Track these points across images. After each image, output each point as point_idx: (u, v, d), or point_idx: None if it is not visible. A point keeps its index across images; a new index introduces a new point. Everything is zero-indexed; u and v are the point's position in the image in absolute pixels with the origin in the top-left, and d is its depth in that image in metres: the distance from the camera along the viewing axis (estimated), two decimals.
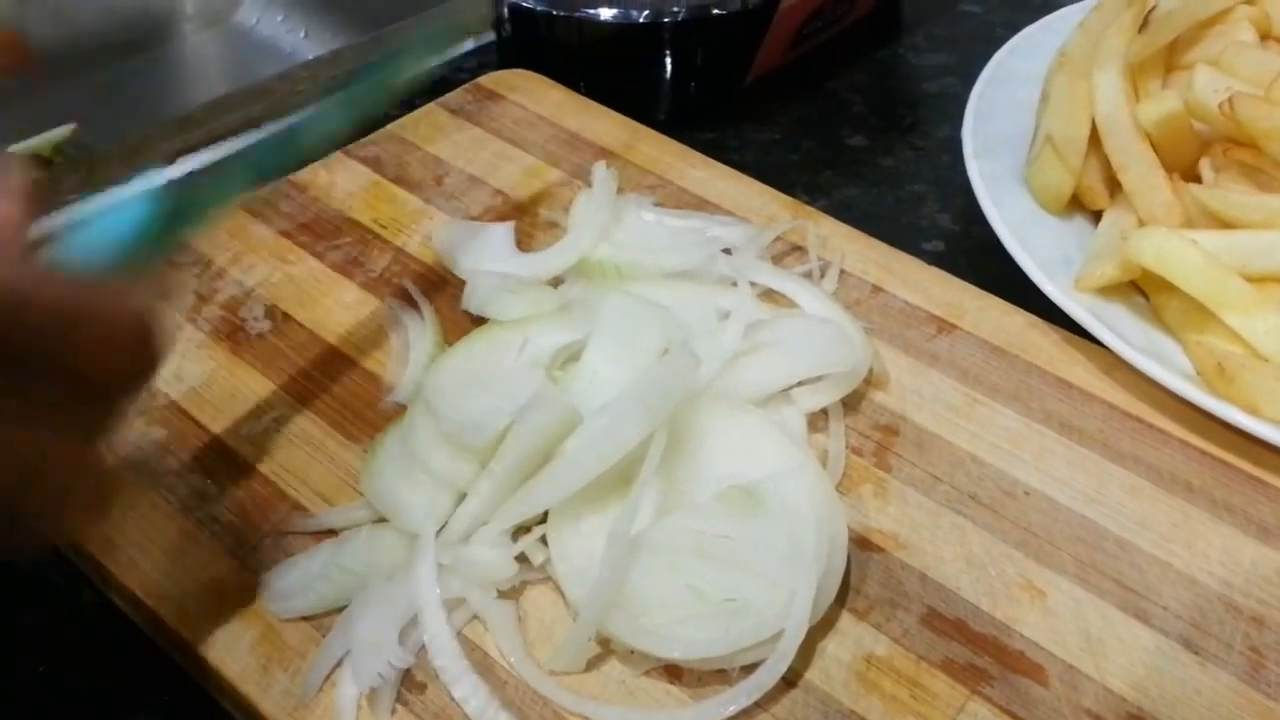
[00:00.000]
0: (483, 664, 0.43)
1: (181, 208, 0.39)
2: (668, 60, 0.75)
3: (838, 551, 0.44)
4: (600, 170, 0.62)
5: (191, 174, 0.42)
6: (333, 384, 0.54)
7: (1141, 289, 0.57)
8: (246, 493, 0.49)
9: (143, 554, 0.47)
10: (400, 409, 0.52)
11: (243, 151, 0.45)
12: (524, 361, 0.50)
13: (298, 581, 0.45)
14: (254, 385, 0.54)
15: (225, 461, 0.50)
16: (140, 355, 0.32)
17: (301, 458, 0.51)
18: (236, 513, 0.48)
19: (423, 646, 0.43)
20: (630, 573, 0.43)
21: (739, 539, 0.44)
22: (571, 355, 0.52)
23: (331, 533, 0.48)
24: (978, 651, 0.44)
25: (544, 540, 0.46)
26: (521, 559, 0.45)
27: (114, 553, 0.47)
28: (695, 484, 0.47)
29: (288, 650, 0.44)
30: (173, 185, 0.40)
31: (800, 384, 0.52)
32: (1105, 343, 0.53)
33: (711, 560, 0.43)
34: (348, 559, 0.45)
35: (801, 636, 0.41)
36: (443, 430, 0.48)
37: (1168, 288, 0.53)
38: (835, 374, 0.52)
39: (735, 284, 0.55)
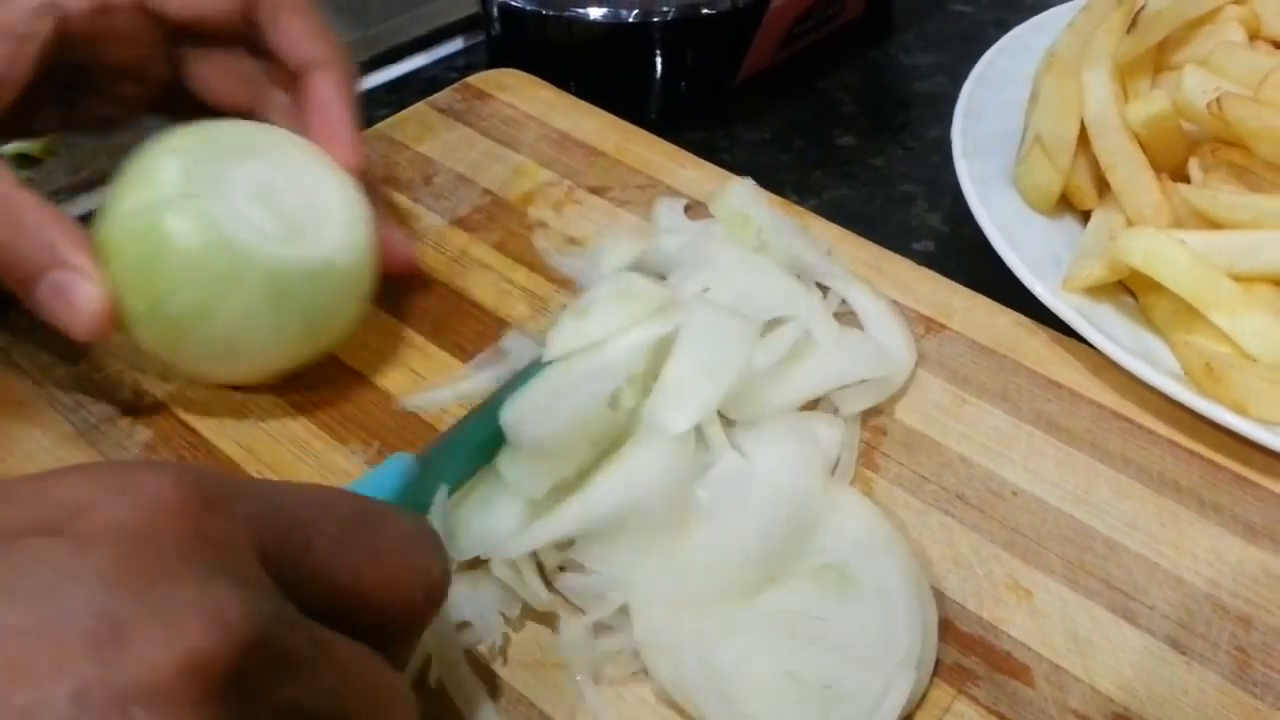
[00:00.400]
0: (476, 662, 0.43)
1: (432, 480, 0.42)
2: (658, 60, 0.75)
3: (930, 639, 0.43)
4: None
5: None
6: (320, 384, 0.54)
7: (1130, 289, 0.57)
8: None
9: None
10: (409, 417, 0.52)
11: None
12: (601, 363, 0.48)
13: None
14: (240, 385, 0.53)
15: (212, 461, 0.50)
16: (421, 573, 0.32)
17: (288, 458, 0.50)
18: None
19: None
20: (726, 656, 0.42)
21: (833, 622, 0.43)
22: (652, 371, 0.49)
23: None
24: (964, 651, 0.44)
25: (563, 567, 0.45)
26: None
27: None
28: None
29: None
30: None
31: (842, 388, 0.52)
32: (1093, 343, 0.53)
33: (808, 644, 0.42)
34: None
35: None
36: (521, 451, 0.45)
37: (1156, 288, 0.53)
38: (875, 378, 0.52)
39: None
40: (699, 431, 0.47)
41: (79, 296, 0.46)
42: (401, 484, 0.40)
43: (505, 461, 0.46)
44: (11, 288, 0.47)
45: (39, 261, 0.46)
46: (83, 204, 0.68)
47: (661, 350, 0.48)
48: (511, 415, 0.45)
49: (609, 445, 0.46)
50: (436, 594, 0.33)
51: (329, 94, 0.53)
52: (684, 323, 0.49)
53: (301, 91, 0.54)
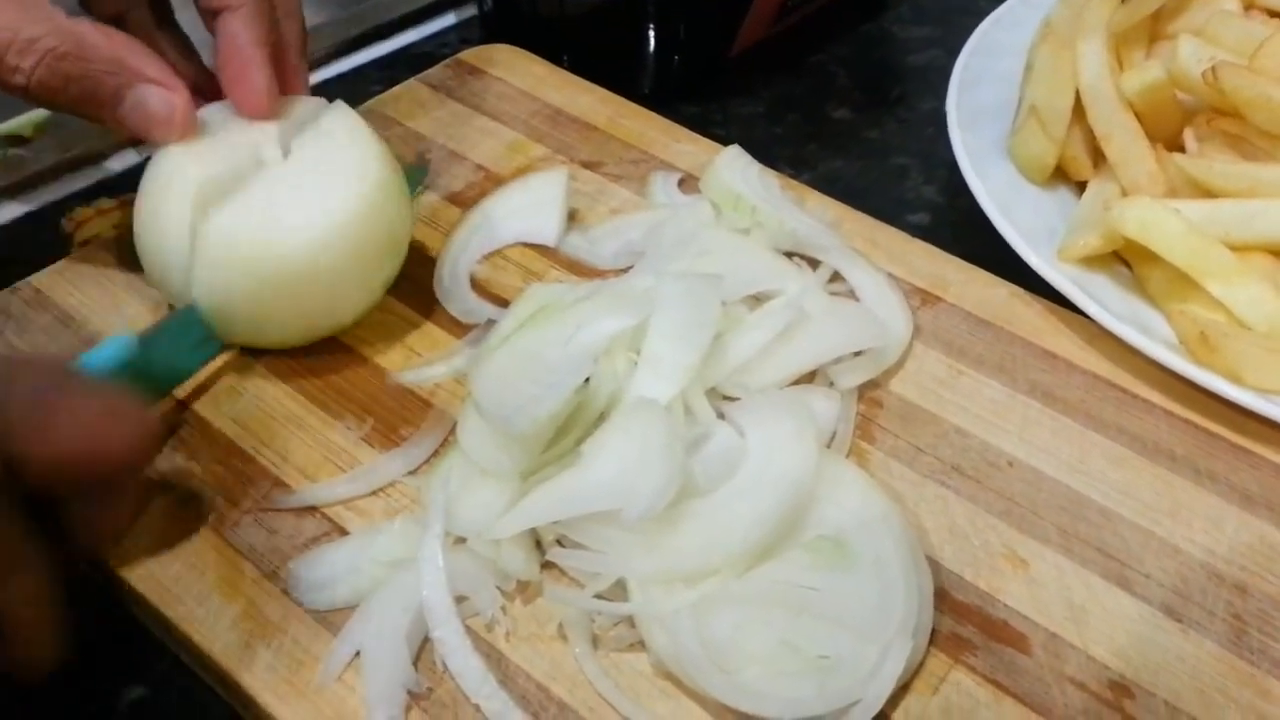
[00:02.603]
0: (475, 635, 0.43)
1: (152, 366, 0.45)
2: (651, 34, 0.74)
3: (926, 609, 0.43)
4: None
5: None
6: (314, 360, 0.54)
7: (1125, 260, 0.57)
8: (227, 469, 0.49)
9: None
10: (403, 391, 0.52)
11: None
12: (574, 350, 0.48)
13: (329, 574, 0.45)
14: (234, 362, 0.53)
15: (206, 438, 0.50)
16: (115, 434, 0.34)
17: (282, 434, 0.50)
18: (217, 489, 0.48)
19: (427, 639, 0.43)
20: (722, 627, 0.42)
21: (829, 592, 0.43)
22: (629, 344, 0.49)
23: (313, 508, 0.47)
24: (961, 621, 0.44)
25: (560, 542, 0.45)
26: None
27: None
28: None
29: (269, 626, 0.43)
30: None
31: (838, 361, 0.52)
32: (1089, 313, 0.53)
33: (803, 614, 0.42)
34: (380, 552, 0.45)
35: (880, 706, 0.40)
36: (485, 421, 0.46)
37: (1151, 258, 0.53)
38: (871, 350, 0.52)
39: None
40: (686, 406, 0.48)
41: (155, 104, 0.48)
42: (119, 361, 0.42)
43: (477, 447, 0.46)
44: (96, 120, 0.49)
45: (116, 84, 0.47)
46: (71, 184, 0.68)
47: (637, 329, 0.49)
48: (494, 407, 0.45)
49: (572, 421, 0.47)
50: (136, 451, 0.35)
51: (238, 37, 0.51)
52: (656, 299, 0.49)
53: (214, 32, 0.52)
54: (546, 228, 0.60)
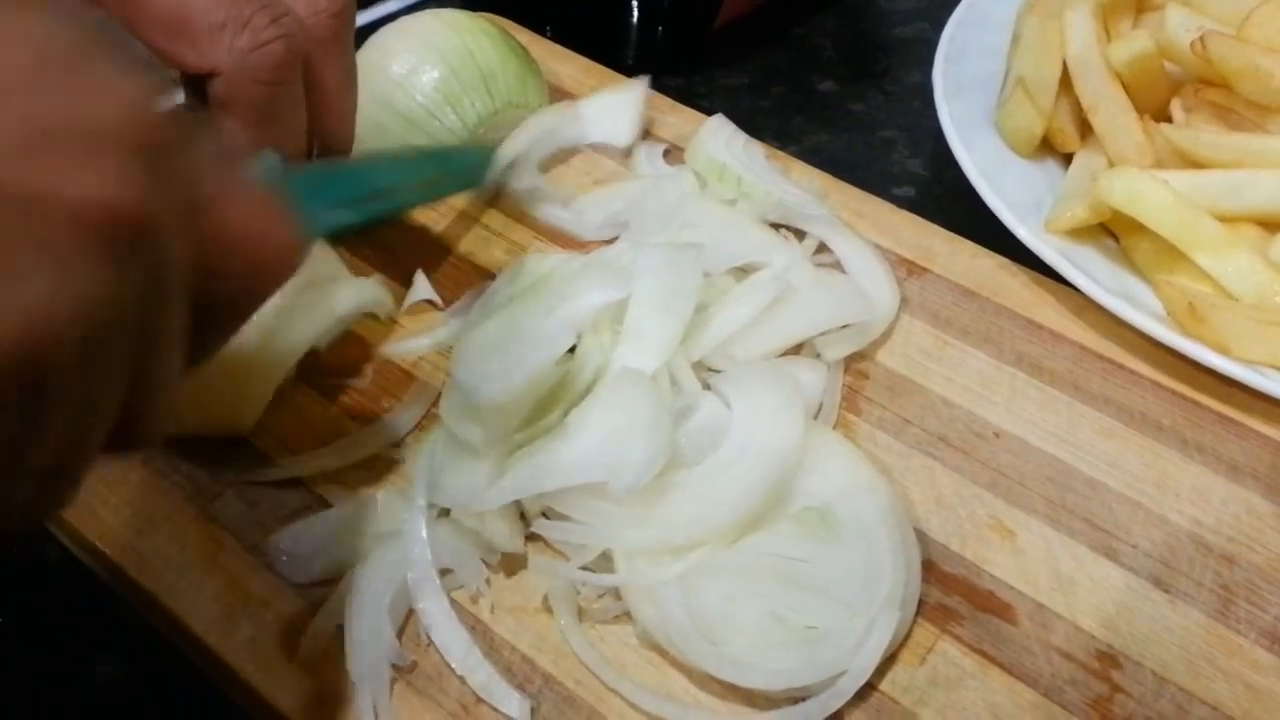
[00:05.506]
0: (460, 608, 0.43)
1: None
2: (635, 5, 0.73)
3: (913, 579, 0.43)
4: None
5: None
6: None
7: (1112, 231, 0.57)
8: (208, 441, 0.48)
9: (103, 504, 0.46)
10: (387, 363, 0.52)
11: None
12: (553, 323, 0.47)
13: (311, 546, 0.44)
14: None
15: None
16: (275, 224, 0.31)
17: (269, 407, 0.49)
18: (197, 461, 0.47)
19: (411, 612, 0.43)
20: (710, 599, 0.42)
21: (816, 563, 0.43)
22: (615, 317, 0.49)
23: (295, 481, 0.47)
24: (948, 591, 0.44)
25: (545, 514, 0.45)
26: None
27: (74, 503, 0.46)
28: None
29: (251, 599, 0.43)
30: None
31: (825, 333, 0.52)
32: (1076, 284, 0.52)
33: (791, 585, 0.42)
34: (363, 525, 0.45)
35: (866, 677, 0.40)
36: (458, 391, 0.45)
37: (1138, 229, 0.53)
38: (858, 322, 0.52)
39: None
40: (672, 378, 0.47)
41: None
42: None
43: (453, 418, 0.45)
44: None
45: None
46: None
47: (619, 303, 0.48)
48: (466, 377, 0.44)
49: (559, 394, 0.46)
50: (287, 266, 0.32)
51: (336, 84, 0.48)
52: (636, 270, 0.48)
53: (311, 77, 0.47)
54: (621, 130, 0.62)
